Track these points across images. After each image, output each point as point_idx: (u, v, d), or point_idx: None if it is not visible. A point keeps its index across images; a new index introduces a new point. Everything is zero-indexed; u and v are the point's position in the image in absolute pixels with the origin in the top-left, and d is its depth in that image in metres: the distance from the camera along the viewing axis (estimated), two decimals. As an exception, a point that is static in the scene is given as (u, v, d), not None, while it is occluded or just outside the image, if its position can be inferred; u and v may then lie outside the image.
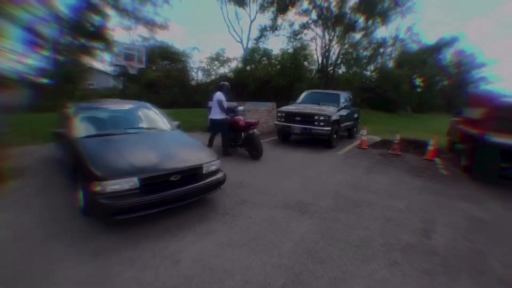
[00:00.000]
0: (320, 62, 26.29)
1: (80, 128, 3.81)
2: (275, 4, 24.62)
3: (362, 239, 3.03)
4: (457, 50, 31.89)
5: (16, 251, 2.48)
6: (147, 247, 2.61)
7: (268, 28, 24.76)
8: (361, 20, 22.89)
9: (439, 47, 30.44)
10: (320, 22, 23.68)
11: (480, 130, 5.76)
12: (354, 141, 9.46)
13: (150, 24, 25.36)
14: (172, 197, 2.96)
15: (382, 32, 27.49)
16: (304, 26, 24.84)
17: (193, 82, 26.81)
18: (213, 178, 3.42)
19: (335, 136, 7.95)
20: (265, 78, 26.17)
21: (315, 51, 27.09)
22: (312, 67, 27.98)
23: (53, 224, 2.98)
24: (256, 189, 4.29)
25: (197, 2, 49.96)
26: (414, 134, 11.83)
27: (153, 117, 4.79)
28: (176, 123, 4.87)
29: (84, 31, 21.08)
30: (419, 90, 27.71)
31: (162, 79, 22.42)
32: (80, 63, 22.23)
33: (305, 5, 23.51)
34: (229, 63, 26.51)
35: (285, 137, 8.64)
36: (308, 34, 25.29)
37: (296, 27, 24.82)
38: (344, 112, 8.62)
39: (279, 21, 24.48)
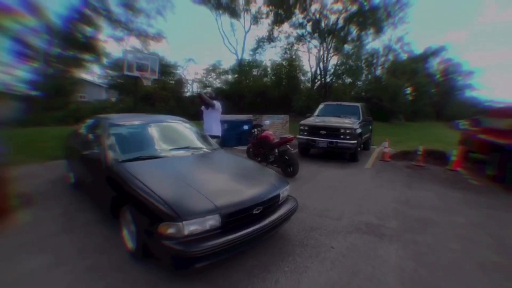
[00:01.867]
0: (313, 73, 26.64)
1: (118, 150, 3.21)
2: (269, 17, 24.90)
3: (454, 262, 2.89)
4: (444, 59, 33.21)
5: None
6: None
7: (264, 40, 24.89)
8: (355, 32, 23.40)
9: (427, 56, 31.57)
10: (315, 34, 24.04)
11: (510, 140, 5.76)
12: (371, 153, 9.33)
13: (143, 35, 25.08)
14: (256, 234, 2.45)
15: (374, 43, 28.19)
16: (300, 38, 25.17)
17: (188, 94, 26.49)
18: (290, 207, 2.99)
19: (359, 149, 7.80)
20: (260, 90, 26.21)
21: (308, 61, 27.42)
22: (303, 77, 28.36)
23: (101, 280, 2.36)
24: (314, 212, 3.97)
25: (192, 15, 50.23)
26: (422, 144, 11.87)
27: (193, 134, 4.29)
28: (215, 140, 4.50)
29: (75, 42, 20.52)
30: (410, 98, 28.38)
31: (157, 91, 21.93)
32: (71, 75, 21.54)
33: (300, 18, 23.89)
34: (227, 75, 26.39)
35: (304, 151, 8.40)
36: (304, 46, 25.63)
37: (292, 39, 25.12)
38: (363, 124, 8.50)
39: (276, 33, 24.71)
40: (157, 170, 2.90)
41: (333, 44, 23.54)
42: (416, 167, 7.49)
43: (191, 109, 22.89)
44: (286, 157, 5.79)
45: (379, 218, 3.89)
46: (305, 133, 7.81)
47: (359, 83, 27.55)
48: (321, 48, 24.29)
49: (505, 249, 3.20)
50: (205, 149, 3.89)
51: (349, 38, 23.98)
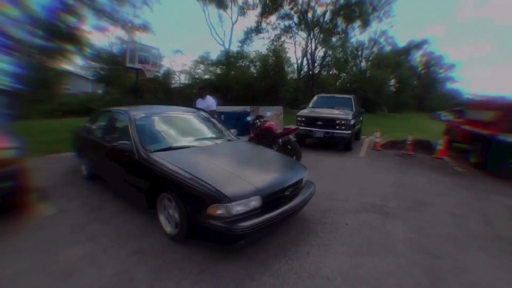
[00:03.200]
0: (299, 64, 27.06)
1: (148, 141, 3.38)
2: (256, 8, 24.94)
3: (450, 233, 3.38)
4: (426, 52, 34.54)
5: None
6: (282, 269, 2.48)
7: (253, 31, 24.98)
8: (342, 24, 23.88)
9: (409, 49, 32.70)
10: (302, 26, 24.35)
11: (492, 131, 6.32)
12: (362, 143, 9.84)
13: (128, 26, 24.43)
14: (288, 213, 2.78)
15: (360, 36, 28.85)
16: (287, 30, 25.41)
17: (175, 85, 26.27)
18: (310, 189, 3.35)
19: (352, 138, 8.29)
20: (247, 82, 26.35)
21: (295, 53, 27.64)
22: (289, 69, 28.72)
23: (151, 260, 2.56)
24: (323, 195, 4.34)
25: (178, 5, 49.23)
26: (408, 134, 12.53)
27: (210, 125, 4.53)
28: (233, 131, 4.75)
29: (59, 33, 19.82)
30: (393, 90, 29.40)
31: (145, 83, 21.62)
32: (54, 66, 20.88)
33: (288, 10, 24.08)
34: (215, 67, 26.28)
35: (301, 141, 8.76)
36: (292, 37, 25.92)
37: (279, 30, 25.33)
38: (356, 115, 8.98)
39: (263, 24, 24.81)
40: (192, 158, 3.15)
41: (321, 37, 23.90)
42: (405, 155, 8.05)
43: (179, 101, 22.82)
44: (289, 146, 6.14)
45: (381, 199, 4.36)
46: (303, 124, 8.19)
47: (343, 74, 28.23)
48: (308, 40, 24.66)
49: (488, 222, 3.75)
50: (226, 139, 4.17)
51: (335, 31, 24.41)
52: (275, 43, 26.31)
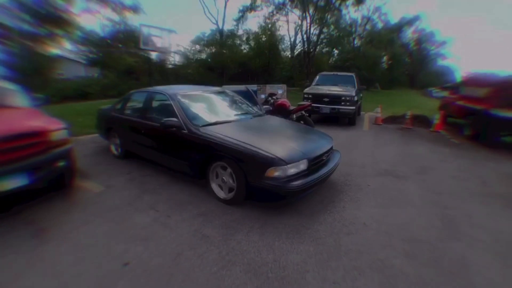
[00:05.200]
0: (292, 43, 27.05)
1: (195, 117, 3.69)
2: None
3: (454, 191, 3.99)
4: (417, 28, 34.75)
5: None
6: (327, 219, 2.99)
7: (247, 9, 24.68)
8: (337, 2, 23.78)
9: (401, 26, 32.83)
10: (296, 2, 24.14)
11: (485, 106, 6.88)
12: (362, 118, 10.40)
13: (118, 7, 23.59)
14: (326, 175, 3.25)
15: (354, 14, 28.74)
16: (280, 7, 25.18)
17: (170, 66, 25.97)
18: (338, 156, 3.86)
19: (356, 114, 8.84)
20: (242, 60, 26.31)
21: (287, 31, 27.37)
22: (282, 46, 28.68)
23: (215, 220, 2.92)
24: (342, 163, 4.73)
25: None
26: (403, 110, 13.14)
27: (242, 102, 4.86)
28: (266, 107, 5.15)
29: (48, 17, 19.18)
30: (385, 67, 29.85)
31: (141, 64, 21.41)
32: (46, 52, 20.33)
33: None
34: (211, 47, 26.02)
35: (307, 118, 9.27)
36: (286, 15, 25.75)
37: (273, 8, 25.10)
38: (358, 92, 9.47)
39: (258, 1, 24.51)
40: (239, 130, 3.52)
41: (316, 15, 23.81)
42: (405, 129, 8.67)
43: (174, 82, 22.75)
44: (302, 121, 6.62)
45: (392, 166, 4.97)
46: (309, 101, 8.62)
47: (336, 51, 28.39)
48: (306, 18, 24.56)
49: (485, 183, 4.35)
50: (256, 114, 4.56)
51: (330, 7, 24.31)
52: (267, 20, 26.13)
